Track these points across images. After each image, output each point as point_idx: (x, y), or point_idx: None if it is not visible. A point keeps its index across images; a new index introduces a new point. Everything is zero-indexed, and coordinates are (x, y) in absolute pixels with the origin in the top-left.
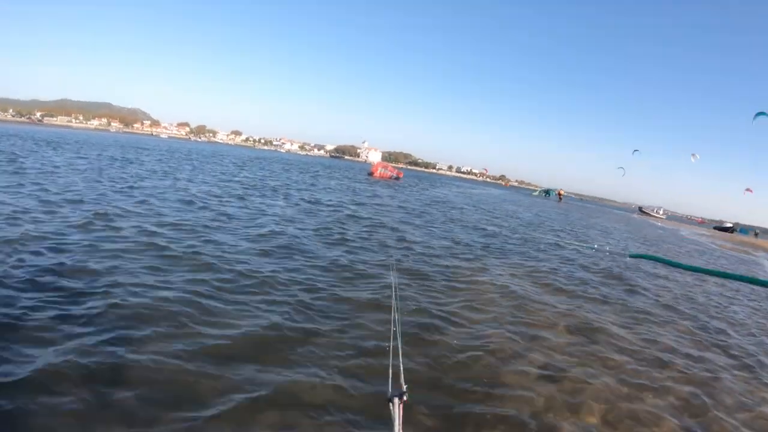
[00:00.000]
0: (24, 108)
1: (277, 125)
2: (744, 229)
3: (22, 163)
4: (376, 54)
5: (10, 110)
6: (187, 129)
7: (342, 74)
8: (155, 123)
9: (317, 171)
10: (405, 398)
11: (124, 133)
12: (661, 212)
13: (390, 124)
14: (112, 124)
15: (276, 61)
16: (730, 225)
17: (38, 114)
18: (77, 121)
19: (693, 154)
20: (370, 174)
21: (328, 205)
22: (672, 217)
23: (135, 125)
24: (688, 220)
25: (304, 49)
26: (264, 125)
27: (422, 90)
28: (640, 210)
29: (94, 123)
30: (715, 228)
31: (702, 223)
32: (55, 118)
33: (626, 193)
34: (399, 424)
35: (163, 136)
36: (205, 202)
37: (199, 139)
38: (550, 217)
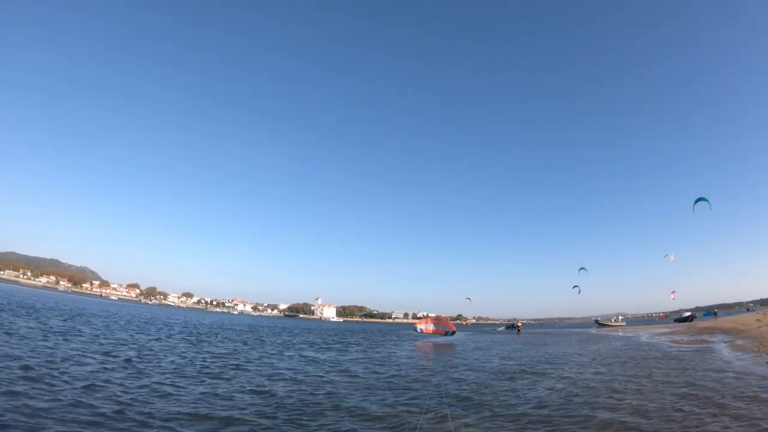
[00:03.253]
0: None
1: (228, 285)
2: (708, 312)
3: None
4: (322, 208)
5: None
6: (137, 291)
7: (291, 231)
8: (104, 284)
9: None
10: None
11: (73, 293)
12: (620, 319)
13: (342, 278)
14: (61, 282)
15: (225, 220)
16: (689, 314)
17: None
18: (25, 277)
19: (668, 255)
20: (418, 330)
21: None
22: (632, 321)
23: (84, 285)
24: (649, 319)
25: (251, 207)
26: (215, 286)
27: (372, 241)
28: (597, 323)
29: (42, 280)
30: (675, 321)
31: (663, 318)
32: (2, 272)
33: (584, 307)
34: None
35: (113, 297)
36: None
37: (150, 302)
38: (512, 357)
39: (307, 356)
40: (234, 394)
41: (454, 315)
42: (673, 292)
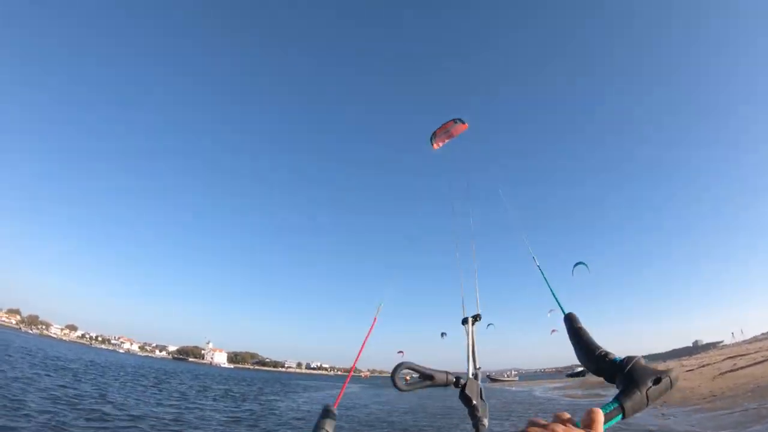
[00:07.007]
0: None
1: (115, 321)
2: None
3: None
4: (218, 250)
5: None
6: (18, 317)
7: (183, 271)
8: None
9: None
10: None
11: None
12: (513, 374)
13: (234, 323)
14: None
15: (116, 252)
16: (581, 369)
17: None
18: None
19: (552, 310)
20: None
21: None
22: (525, 375)
23: None
24: (543, 374)
25: (146, 241)
26: (101, 320)
27: (265, 290)
28: (490, 378)
29: None
30: (567, 376)
31: (555, 373)
32: None
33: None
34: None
35: None
36: None
37: (31, 331)
38: None
39: None
40: None
41: (348, 367)
42: (554, 331)
